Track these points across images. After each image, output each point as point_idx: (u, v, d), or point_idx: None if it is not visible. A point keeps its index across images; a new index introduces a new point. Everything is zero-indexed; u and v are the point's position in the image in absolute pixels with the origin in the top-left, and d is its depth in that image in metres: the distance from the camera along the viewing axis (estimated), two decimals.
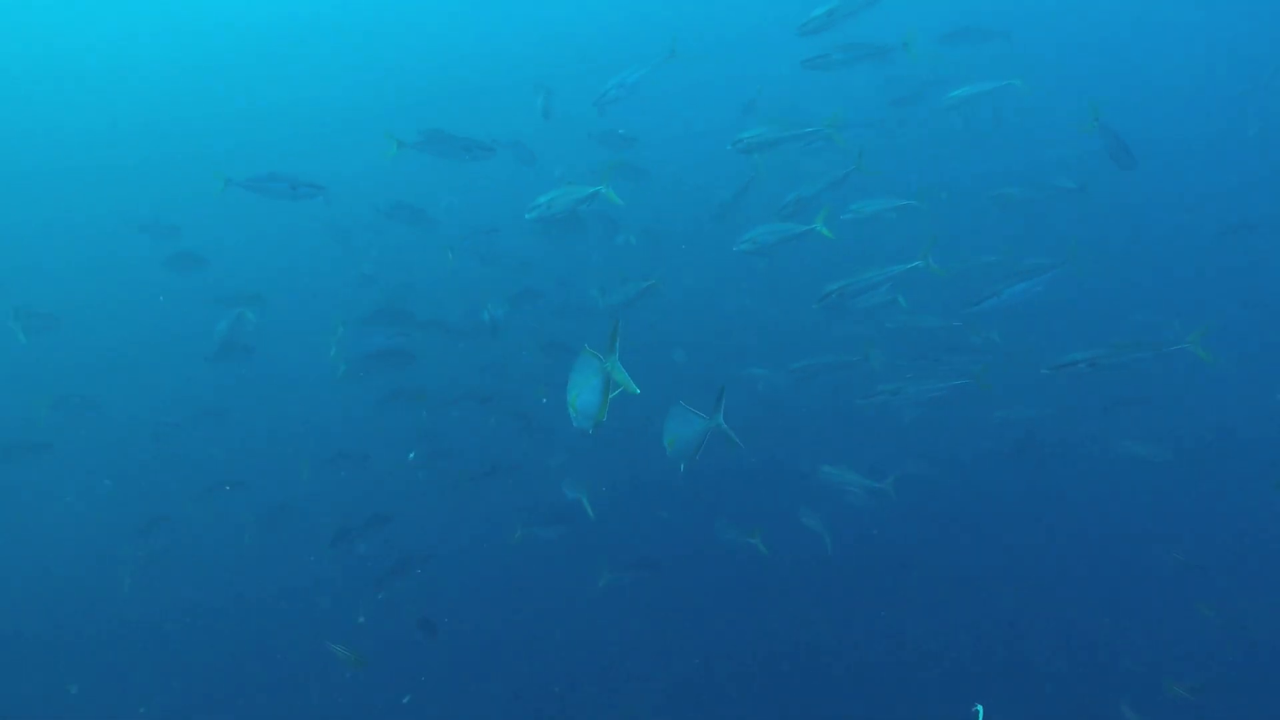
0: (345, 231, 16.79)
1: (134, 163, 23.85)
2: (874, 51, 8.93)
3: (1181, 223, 15.53)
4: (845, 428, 11.59)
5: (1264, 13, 22.60)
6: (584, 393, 4.25)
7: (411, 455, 11.05)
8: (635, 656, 9.99)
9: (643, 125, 13.01)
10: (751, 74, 13.89)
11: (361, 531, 10.72)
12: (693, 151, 17.62)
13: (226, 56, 26.98)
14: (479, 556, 11.83)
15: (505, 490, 11.35)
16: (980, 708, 5.52)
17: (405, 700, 9.31)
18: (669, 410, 5.33)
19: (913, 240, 8.12)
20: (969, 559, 10.81)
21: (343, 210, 15.44)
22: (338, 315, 11.47)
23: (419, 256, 15.06)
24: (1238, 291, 14.59)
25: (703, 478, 11.67)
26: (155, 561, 12.05)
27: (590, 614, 10.50)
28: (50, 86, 26.73)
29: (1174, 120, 19.52)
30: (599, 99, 10.51)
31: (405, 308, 11.38)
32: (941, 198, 12.41)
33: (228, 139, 23.79)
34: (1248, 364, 12.86)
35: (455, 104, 23.10)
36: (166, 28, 26.80)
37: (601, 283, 11.05)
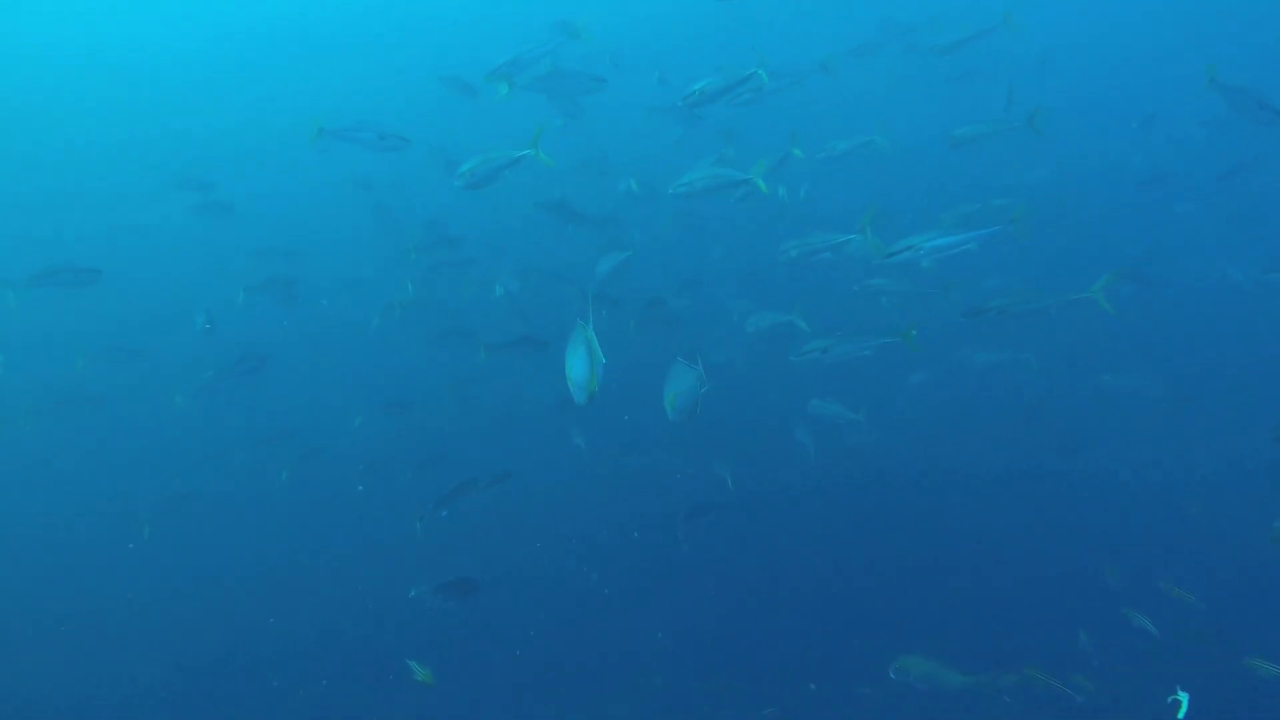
0: (366, 178, 17.10)
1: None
2: None
3: (1163, 168, 15.76)
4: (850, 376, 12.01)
5: None
6: (575, 366, 4.53)
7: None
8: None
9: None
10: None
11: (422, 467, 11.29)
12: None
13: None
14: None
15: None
16: (1185, 695, 5.26)
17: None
18: (669, 369, 5.53)
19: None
20: (963, 490, 11.29)
21: (373, 167, 15.95)
22: (405, 245, 11.87)
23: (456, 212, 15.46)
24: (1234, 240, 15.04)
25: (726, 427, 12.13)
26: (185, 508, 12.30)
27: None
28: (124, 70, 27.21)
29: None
30: (489, 74, 10.09)
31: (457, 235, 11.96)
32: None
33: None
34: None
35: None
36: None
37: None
